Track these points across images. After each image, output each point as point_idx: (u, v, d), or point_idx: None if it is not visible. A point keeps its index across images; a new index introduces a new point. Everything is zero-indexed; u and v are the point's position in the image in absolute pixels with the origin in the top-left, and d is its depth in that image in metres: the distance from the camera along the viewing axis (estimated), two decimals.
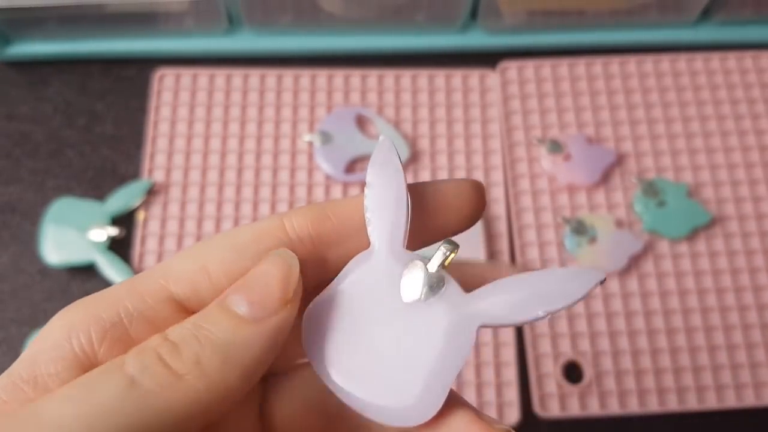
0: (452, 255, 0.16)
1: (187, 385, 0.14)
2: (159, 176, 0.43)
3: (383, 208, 0.16)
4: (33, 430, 0.13)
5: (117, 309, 0.16)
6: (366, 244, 0.17)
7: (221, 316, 0.15)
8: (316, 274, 0.17)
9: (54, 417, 0.13)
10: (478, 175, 0.43)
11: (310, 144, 0.43)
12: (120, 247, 0.41)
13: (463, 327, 0.15)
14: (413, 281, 0.16)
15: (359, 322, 0.16)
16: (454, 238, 0.17)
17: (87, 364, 0.15)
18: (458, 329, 0.15)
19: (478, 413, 0.16)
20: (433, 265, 0.16)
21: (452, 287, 0.16)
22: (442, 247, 0.16)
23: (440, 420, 0.15)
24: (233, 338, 0.15)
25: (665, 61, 0.46)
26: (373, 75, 0.46)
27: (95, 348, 0.15)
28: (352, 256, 0.17)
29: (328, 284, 0.17)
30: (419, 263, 0.16)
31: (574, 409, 0.38)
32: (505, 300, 0.15)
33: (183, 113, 0.44)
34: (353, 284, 0.16)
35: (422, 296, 0.16)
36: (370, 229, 0.17)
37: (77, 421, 0.13)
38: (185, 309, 0.16)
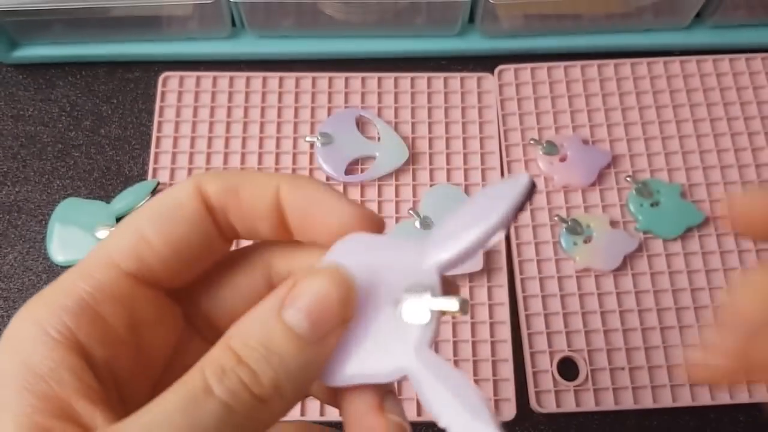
0: (454, 312, 0.16)
1: (271, 409, 0.15)
2: (163, 177, 0.44)
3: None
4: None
5: (78, 294, 0.16)
6: (268, 227, 0.18)
7: (285, 338, 0.15)
8: (231, 233, 0.18)
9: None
10: (476, 176, 0.44)
11: (312, 145, 0.44)
12: None
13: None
14: (414, 310, 0.16)
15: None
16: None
17: (73, 346, 0.15)
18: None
19: (383, 405, 0.17)
20: (434, 307, 0.16)
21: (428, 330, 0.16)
22: (456, 303, 0.16)
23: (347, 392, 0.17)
24: (301, 362, 0.15)
25: (659, 63, 0.47)
26: (372, 77, 0.47)
27: (74, 333, 0.15)
28: (259, 231, 0.18)
29: (250, 253, 0.19)
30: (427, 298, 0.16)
31: (570, 405, 0.39)
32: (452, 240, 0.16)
33: (187, 115, 0.45)
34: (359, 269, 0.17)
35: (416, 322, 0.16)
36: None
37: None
38: (138, 279, 0.17)
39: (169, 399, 0.14)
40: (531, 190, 0.16)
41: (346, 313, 0.16)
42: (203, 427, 0.14)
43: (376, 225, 0.18)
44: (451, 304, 0.16)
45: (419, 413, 0.38)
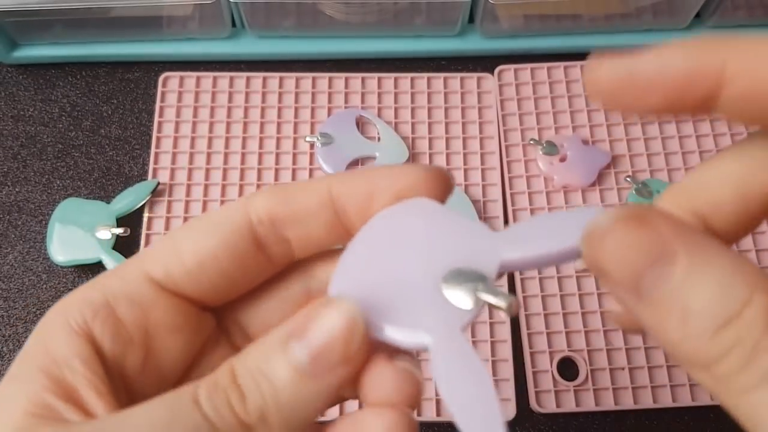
0: (501, 309, 0.16)
1: None
2: (163, 177, 0.44)
3: None
4: None
5: (103, 292, 0.17)
6: (323, 226, 0.18)
7: (282, 366, 0.15)
8: (281, 252, 0.18)
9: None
10: (475, 176, 0.44)
11: (312, 145, 0.44)
12: (125, 247, 0.42)
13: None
14: (461, 293, 0.16)
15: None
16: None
17: (89, 339, 0.16)
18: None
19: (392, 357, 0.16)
20: (483, 297, 0.16)
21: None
22: (504, 300, 0.16)
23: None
24: (294, 394, 0.15)
25: None
26: (372, 78, 0.47)
27: (90, 326, 0.17)
28: (313, 237, 0.18)
29: (292, 264, 0.19)
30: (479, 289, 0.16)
31: (570, 405, 0.39)
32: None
33: (187, 115, 0.45)
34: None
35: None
36: None
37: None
38: (163, 288, 0.18)
39: (159, 403, 0.15)
40: None
41: (348, 351, 0.15)
42: None
43: (444, 181, 0.18)
44: (501, 300, 0.15)
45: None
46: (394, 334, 0.16)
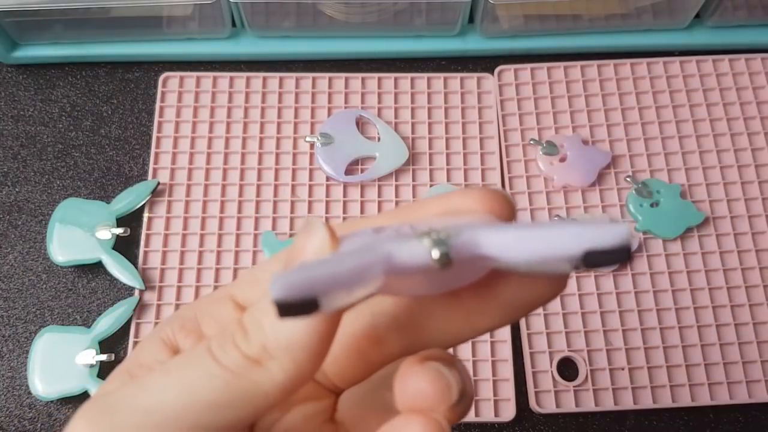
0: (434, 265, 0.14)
1: (268, 375, 0.15)
2: (163, 177, 0.44)
3: None
4: (139, 392, 0.16)
5: (194, 309, 0.19)
6: None
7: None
8: None
9: (156, 387, 0.15)
10: (475, 176, 0.44)
11: (312, 145, 0.44)
12: (125, 247, 0.42)
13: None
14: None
15: None
16: None
17: (172, 349, 0.18)
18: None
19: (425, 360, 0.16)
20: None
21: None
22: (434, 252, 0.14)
23: None
24: (292, 325, 0.15)
25: (659, 64, 0.47)
26: (372, 78, 0.47)
27: (176, 337, 0.18)
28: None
29: None
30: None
31: (570, 406, 0.39)
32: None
33: (187, 115, 0.45)
34: None
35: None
36: None
37: (173, 384, 0.15)
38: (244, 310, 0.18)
39: (179, 361, 0.16)
40: (623, 251, 0.13)
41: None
42: (190, 376, 0.15)
43: (503, 203, 0.16)
44: (432, 246, 0.14)
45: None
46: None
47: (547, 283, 0.16)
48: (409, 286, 0.15)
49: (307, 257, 0.15)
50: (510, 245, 0.14)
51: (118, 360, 0.39)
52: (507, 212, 0.16)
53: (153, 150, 0.44)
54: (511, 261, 0.14)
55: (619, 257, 0.13)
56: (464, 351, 0.40)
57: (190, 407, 0.15)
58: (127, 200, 0.42)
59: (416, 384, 0.15)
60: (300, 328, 0.15)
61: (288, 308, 0.13)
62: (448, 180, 0.44)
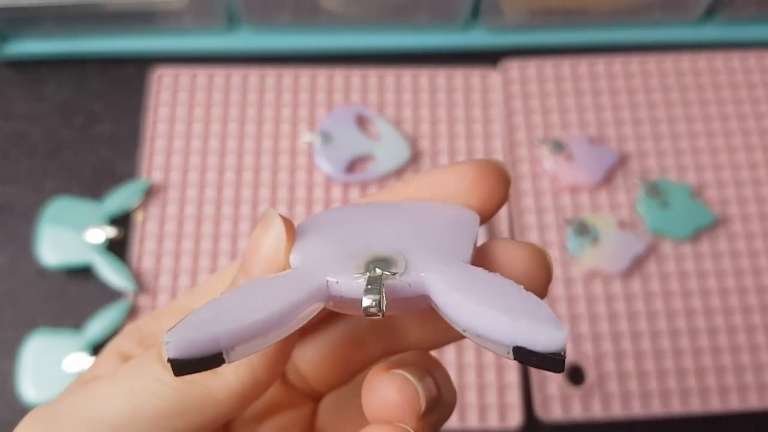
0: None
1: (221, 381, 0.15)
2: (157, 176, 0.42)
3: None
4: (85, 401, 0.15)
5: (156, 323, 0.18)
6: None
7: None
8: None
9: (103, 394, 0.15)
10: None
11: (310, 144, 0.43)
12: (118, 248, 0.41)
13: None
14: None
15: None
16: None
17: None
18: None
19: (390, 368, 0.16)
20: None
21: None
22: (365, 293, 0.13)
23: None
24: None
25: (668, 60, 0.46)
26: (373, 74, 0.45)
27: (135, 351, 0.17)
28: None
29: None
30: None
31: (576, 412, 0.38)
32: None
33: (181, 113, 0.44)
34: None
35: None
36: None
37: (119, 392, 0.15)
38: None
39: (129, 369, 0.15)
40: (554, 359, 0.12)
41: (278, 252, 0.15)
42: (137, 377, 0.15)
43: (491, 170, 0.16)
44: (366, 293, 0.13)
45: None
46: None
47: None
48: (358, 308, 0.14)
49: (261, 257, 0.14)
50: (453, 304, 0.13)
51: None
52: (496, 188, 0.16)
53: (146, 149, 0.43)
54: (451, 320, 0.13)
55: (548, 364, 0.12)
56: (468, 355, 0.39)
57: (138, 416, 0.14)
58: (119, 200, 0.41)
59: (381, 393, 0.14)
60: None
61: (186, 367, 0.12)
62: None
